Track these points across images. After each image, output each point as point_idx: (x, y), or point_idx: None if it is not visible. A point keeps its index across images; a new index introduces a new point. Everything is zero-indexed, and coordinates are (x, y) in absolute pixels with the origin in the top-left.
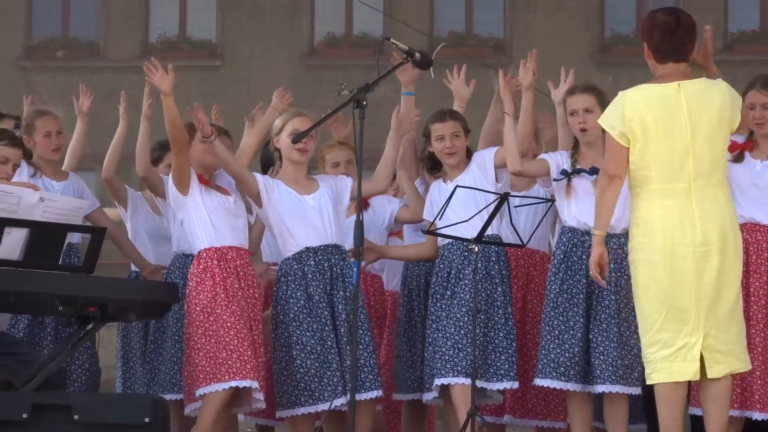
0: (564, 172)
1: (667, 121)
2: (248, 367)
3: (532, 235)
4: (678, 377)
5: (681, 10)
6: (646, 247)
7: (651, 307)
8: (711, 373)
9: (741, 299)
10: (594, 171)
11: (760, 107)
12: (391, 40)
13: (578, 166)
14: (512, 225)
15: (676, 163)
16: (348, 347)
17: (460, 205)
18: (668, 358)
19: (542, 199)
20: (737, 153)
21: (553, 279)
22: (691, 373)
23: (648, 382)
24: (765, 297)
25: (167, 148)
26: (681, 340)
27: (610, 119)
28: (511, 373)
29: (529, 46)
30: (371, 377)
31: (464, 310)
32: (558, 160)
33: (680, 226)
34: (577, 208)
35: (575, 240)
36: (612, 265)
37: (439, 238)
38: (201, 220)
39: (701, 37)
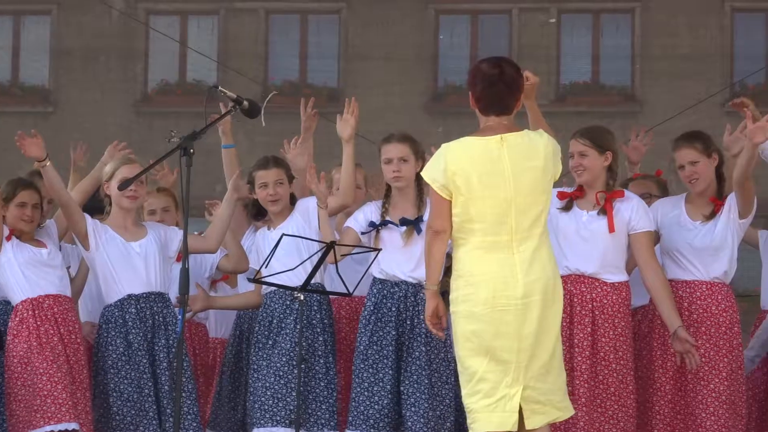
0: (372, 224)
1: (490, 174)
2: (64, 409)
3: (358, 284)
4: (498, 427)
5: (507, 60)
6: (469, 299)
7: (472, 358)
8: (529, 424)
9: (561, 348)
10: (404, 222)
11: (578, 155)
12: (219, 88)
13: (387, 218)
14: (338, 274)
15: (498, 216)
16: (170, 395)
17: (284, 253)
18: (488, 408)
19: (369, 248)
20: (566, 202)
21: (363, 331)
22: (510, 423)
23: None
24: (589, 348)
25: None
26: (501, 390)
27: (432, 171)
28: (332, 423)
29: (363, 94)
30: (195, 425)
31: (284, 359)
32: (366, 213)
33: (502, 278)
34: (384, 261)
35: (385, 291)
36: (421, 316)
37: (263, 286)
38: (14, 275)
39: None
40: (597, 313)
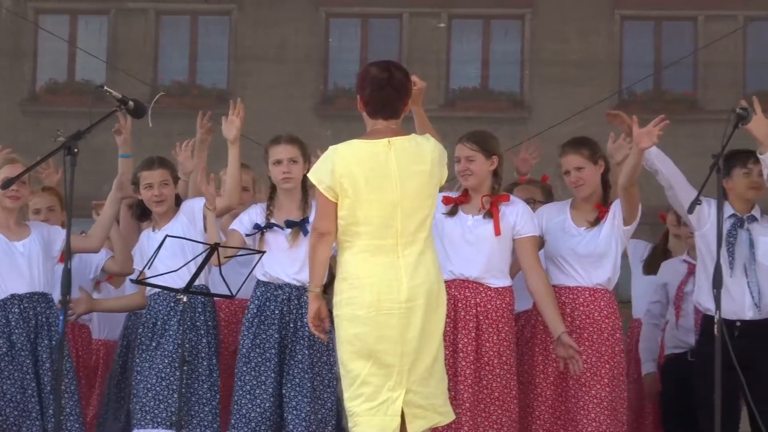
0: (257, 226)
1: (377, 178)
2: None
3: (241, 286)
4: (379, 431)
5: (396, 65)
6: (353, 302)
7: (355, 361)
8: (411, 429)
9: (443, 352)
10: (289, 224)
11: (465, 159)
12: (105, 87)
13: (272, 220)
14: (221, 276)
15: (384, 220)
16: (52, 395)
17: (169, 254)
18: (370, 412)
19: (253, 250)
20: (451, 207)
21: (246, 333)
22: (392, 427)
23: None
24: (473, 353)
25: None
26: (384, 394)
27: (318, 173)
28: (214, 425)
29: (252, 96)
30: (77, 426)
31: (167, 360)
32: (251, 215)
33: (387, 282)
34: (269, 263)
35: (268, 294)
36: (304, 319)
37: (148, 288)
38: None
39: None
40: (481, 317)
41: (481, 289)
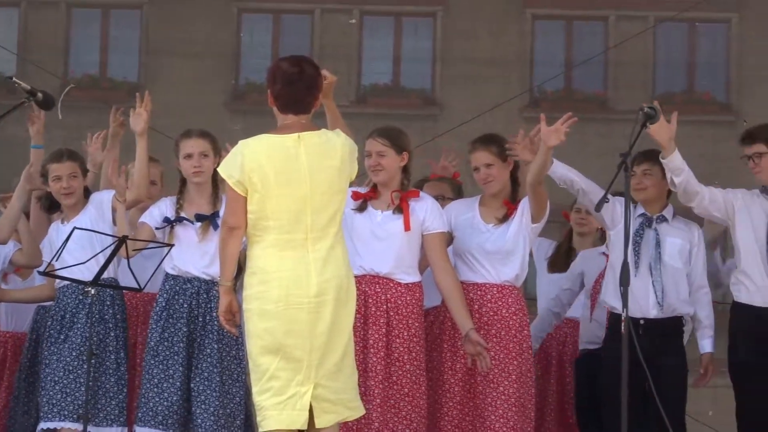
0: (167, 220)
1: (287, 172)
2: None
3: (149, 279)
4: (287, 425)
5: (307, 60)
6: (262, 297)
7: (264, 356)
8: (319, 423)
9: (353, 348)
10: (199, 218)
11: (376, 155)
12: (13, 78)
13: (182, 214)
14: (130, 269)
15: (294, 214)
16: None
17: (77, 247)
18: (278, 406)
19: (161, 243)
20: (360, 203)
21: (154, 327)
22: (300, 421)
23: (259, 430)
24: (384, 349)
25: None
26: (292, 389)
27: (228, 167)
28: (121, 418)
29: (162, 90)
30: None
31: (75, 353)
32: (161, 208)
33: (296, 277)
34: (178, 257)
35: (177, 288)
36: (214, 313)
37: (57, 280)
38: None
39: None
40: (392, 313)
41: (392, 284)
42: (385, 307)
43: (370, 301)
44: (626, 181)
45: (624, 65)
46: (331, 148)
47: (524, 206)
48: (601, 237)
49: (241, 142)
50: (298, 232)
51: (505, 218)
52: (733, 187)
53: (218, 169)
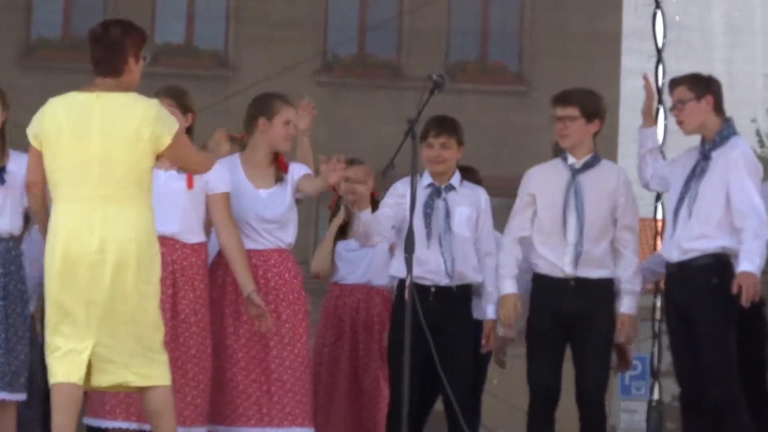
0: None
1: (79, 127)
2: None
3: None
4: (62, 379)
5: (122, 22)
6: (49, 251)
7: (50, 309)
8: (94, 381)
9: (147, 315)
10: None
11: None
12: None
13: None
14: None
15: (81, 169)
16: None
17: None
18: (58, 359)
19: None
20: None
21: None
22: (76, 376)
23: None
24: (170, 310)
25: None
26: (71, 343)
27: (31, 124)
28: None
29: None
30: None
31: None
32: None
33: (78, 231)
34: None
35: None
36: (1, 270)
37: None
38: None
39: None
40: (177, 275)
41: (178, 245)
42: (171, 268)
43: (177, 266)
44: (413, 149)
45: (418, 32)
46: (131, 109)
47: (299, 169)
48: None
49: (49, 100)
50: (86, 188)
51: (278, 182)
52: (521, 156)
53: (28, 130)
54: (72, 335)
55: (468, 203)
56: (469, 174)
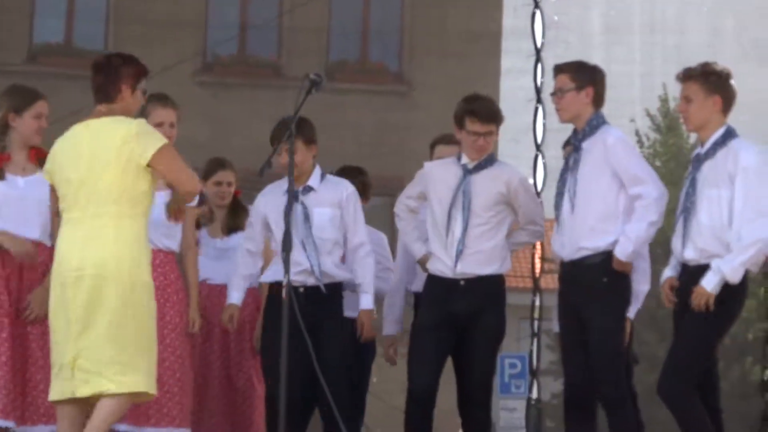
0: None
1: (71, 157)
2: None
3: None
4: (58, 396)
5: (123, 55)
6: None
7: (52, 327)
8: (78, 392)
9: (126, 324)
10: None
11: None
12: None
13: None
14: None
15: (73, 195)
16: None
17: None
18: (54, 377)
19: None
20: None
21: None
22: (67, 392)
23: None
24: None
25: None
26: (61, 358)
27: (46, 163)
28: None
29: None
30: None
31: None
32: None
33: (65, 252)
34: None
35: None
36: None
37: None
38: None
39: None
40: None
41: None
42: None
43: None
44: (290, 147)
45: (298, 31)
46: (113, 131)
47: None
48: None
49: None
50: (75, 210)
51: None
52: (401, 156)
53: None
54: (61, 351)
55: (329, 202)
56: (354, 174)
